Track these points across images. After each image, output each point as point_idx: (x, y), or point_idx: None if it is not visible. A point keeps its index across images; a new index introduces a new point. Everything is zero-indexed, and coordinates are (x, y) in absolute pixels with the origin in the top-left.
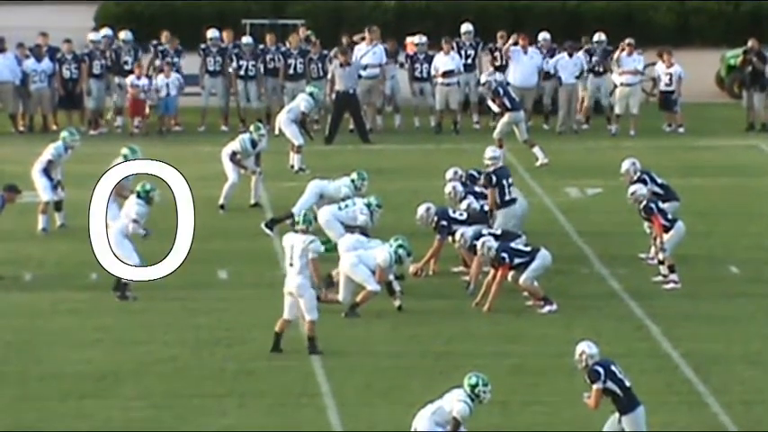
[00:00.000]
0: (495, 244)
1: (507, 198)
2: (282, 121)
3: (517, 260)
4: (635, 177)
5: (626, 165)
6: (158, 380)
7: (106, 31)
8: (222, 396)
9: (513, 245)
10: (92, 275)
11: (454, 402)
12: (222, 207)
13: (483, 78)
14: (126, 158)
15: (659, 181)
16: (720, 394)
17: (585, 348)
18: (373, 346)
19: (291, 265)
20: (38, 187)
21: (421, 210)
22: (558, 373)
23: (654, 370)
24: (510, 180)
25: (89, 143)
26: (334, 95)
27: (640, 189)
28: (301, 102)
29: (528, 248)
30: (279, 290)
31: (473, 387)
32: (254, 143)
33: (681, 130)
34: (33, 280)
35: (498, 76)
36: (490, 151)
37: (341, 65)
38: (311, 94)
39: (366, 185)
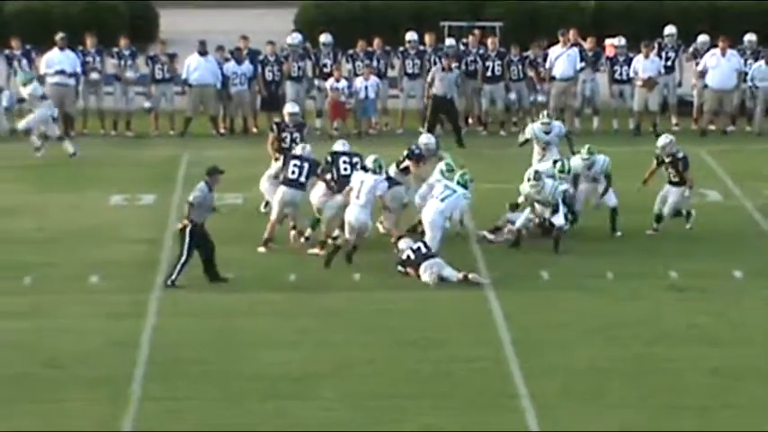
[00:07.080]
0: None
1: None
2: None
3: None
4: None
5: (662, 140)
6: (357, 381)
7: (296, 35)
8: (418, 397)
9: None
10: (290, 277)
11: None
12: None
13: None
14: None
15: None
16: None
17: None
18: (570, 348)
19: (358, 197)
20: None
21: None
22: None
23: None
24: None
25: None
26: (431, 98)
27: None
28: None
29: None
30: (470, 291)
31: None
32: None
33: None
34: (233, 281)
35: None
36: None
37: (443, 69)
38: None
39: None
